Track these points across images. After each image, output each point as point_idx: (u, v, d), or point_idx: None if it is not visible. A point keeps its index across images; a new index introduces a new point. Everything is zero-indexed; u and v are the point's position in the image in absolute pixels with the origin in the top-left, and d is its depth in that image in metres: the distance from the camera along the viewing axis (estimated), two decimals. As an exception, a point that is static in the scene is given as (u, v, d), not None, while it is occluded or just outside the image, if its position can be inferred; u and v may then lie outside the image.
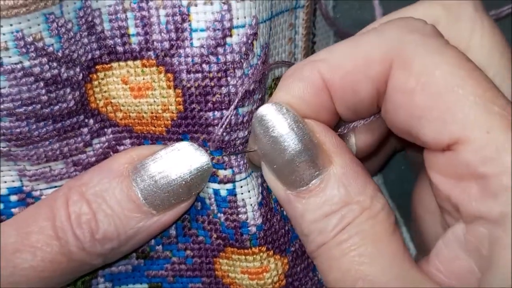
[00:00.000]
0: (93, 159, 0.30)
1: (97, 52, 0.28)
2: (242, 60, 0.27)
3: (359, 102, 0.26)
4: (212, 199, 0.30)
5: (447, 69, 0.24)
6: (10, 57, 0.26)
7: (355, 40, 0.26)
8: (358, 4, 0.38)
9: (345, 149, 0.27)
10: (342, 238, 0.26)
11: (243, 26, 0.27)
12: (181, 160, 0.28)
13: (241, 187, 0.30)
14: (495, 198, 0.23)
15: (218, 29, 0.27)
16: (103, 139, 0.30)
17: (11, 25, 0.25)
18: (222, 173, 0.29)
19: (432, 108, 0.24)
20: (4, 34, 0.26)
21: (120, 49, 0.28)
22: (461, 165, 0.24)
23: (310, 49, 0.34)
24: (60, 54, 0.27)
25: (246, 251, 0.30)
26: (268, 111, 0.26)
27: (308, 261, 0.33)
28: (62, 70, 0.27)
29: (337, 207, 0.26)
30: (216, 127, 0.28)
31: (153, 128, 0.29)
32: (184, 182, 0.28)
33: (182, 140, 0.29)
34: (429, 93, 0.24)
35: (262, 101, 0.30)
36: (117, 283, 0.33)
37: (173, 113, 0.29)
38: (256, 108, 0.28)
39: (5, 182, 0.30)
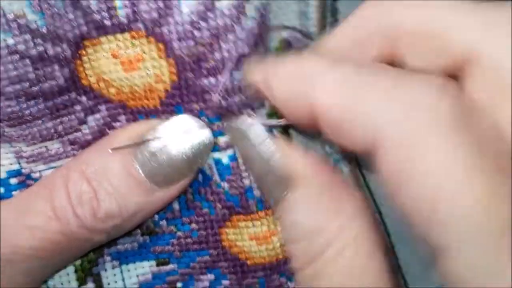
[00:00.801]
0: (90, 137, 0.29)
1: (84, 28, 0.27)
2: (234, 24, 0.26)
3: None
4: (214, 169, 0.29)
5: None
6: None
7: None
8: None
9: (315, 171, 0.25)
10: (308, 273, 0.24)
11: None
12: (181, 134, 0.27)
13: None
14: None
15: None
16: (97, 116, 0.29)
17: None
18: (222, 139, 0.28)
19: None
20: None
21: (107, 23, 0.27)
22: None
23: (330, 6, 0.32)
24: (44, 30, 0.26)
25: (253, 215, 0.30)
26: (240, 125, 0.26)
27: None
28: (48, 46, 0.26)
29: (301, 237, 0.24)
30: (212, 94, 0.27)
31: (147, 102, 0.28)
32: (185, 157, 0.27)
33: (176, 112, 0.28)
34: None
35: None
36: (124, 261, 0.32)
37: (166, 83, 0.27)
38: None
39: (3, 165, 0.29)
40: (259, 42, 0.27)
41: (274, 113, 0.29)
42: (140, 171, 0.27)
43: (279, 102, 0.25)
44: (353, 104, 0.22)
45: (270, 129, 0.29)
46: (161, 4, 0.26)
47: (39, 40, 0.26)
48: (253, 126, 0.27)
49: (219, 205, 0.30)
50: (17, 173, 0.29)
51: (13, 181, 0.30)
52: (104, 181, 0.27)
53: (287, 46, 0.30)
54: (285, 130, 0.29)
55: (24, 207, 0.27)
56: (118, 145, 0.28)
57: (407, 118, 0.20)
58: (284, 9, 0.30)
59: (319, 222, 0.24)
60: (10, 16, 0.25)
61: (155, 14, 0.26)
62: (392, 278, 0.24)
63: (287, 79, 0.24)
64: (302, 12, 0.30)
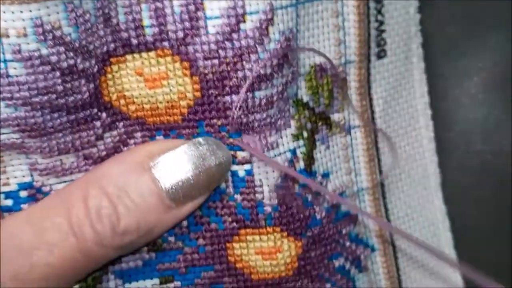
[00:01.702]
0: (104, 153, 0.29)
1: (112, 45, 0.28)
2: (256, 45, 0.27)
3: None
4: (229, 181, 0.30)
5: None
6: (28, 43, 0.25)
7: None
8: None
9: None
10: None
11: (257, 12, 0.27)
12: (203, 155, 0.28)
13: (259, 167, 0.29)
14: None
15: (232, 16, 0.27)
16: (114, 133, 0.29)
17: (30, 11, 0.25)
18: (240, 154, 0.29)
19: None
20: (23, 20, 0.25)
21: (134, 41, 0.28)
22: None
23: (376, 37, 0.33)
24: (77, 44, 0.26)
25: (261, 230, 0.30)
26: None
27: (326, 248, 0.32)
28: (78, 60, 0.27)
29: None
30: (234, 110, 0.28)
31: (168, 118, 0.29)
32: (205, 176, 0.28)
33: (197, 127, 0.29)
34: None
35: (290, 86, 0.30)
36: (127, 279, 0.31)
37: (190, 100, 0.28)
38: (281, 92, 0.28)
39: (15, 177, 0.29)
40: (284, 64, 0.29)
41: (300, 134, 0.31)
42: (162, 189, 0.27)
43: None
44: None
45: (293, 151, 0.30)
46: (188, 25, 0.27)
47: (70, 54, 0.26)
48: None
49: (229, 219, 0.30)
50: (28, 186, 0.29)
51: (23, 194, 0.29)
52: (124, 196, 0.27)
53: (320, 71, 0.31)
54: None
55: (41, 222, 0.26)
56: (137, 160, 0.28)
57: None
58: (319, 36, 0.31)
59: None
60: (47, 27, 0.25)
61: (181, 34, 0.27)
62: None
63: None
64: (341, 40, 0.31)
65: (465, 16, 0.34)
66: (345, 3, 0.31)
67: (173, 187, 0.28)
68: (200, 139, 0.28)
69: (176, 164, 0.28)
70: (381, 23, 0.33)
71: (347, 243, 0.33)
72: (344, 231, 0.33)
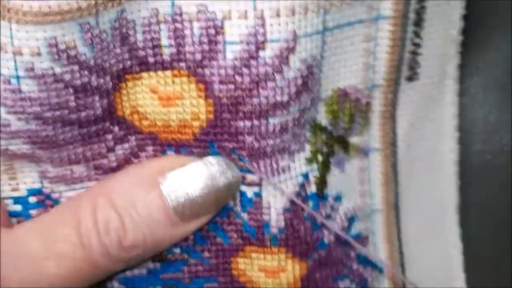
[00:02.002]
0: (115, 164, 0.29)
1: (128, 62, 0.27)
2: (275, 73, 0.27)
3: None
4: (237, 200, 0.29)
5: None
6: (41, 62, 0.25)
7: None
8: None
9: None
10: None
11: (278, 41, 0.26)
12: (213, 174, 0.28)
13: (268, 191, 0.29)
14: None
15: (252, 43, 0.26)
16: (126, 145, 0.29)
17: (45, 31, 0.24)
18: (249, 177, 0.29)
19: None
20: (37, 39, 0.24)
21: (151, 59, 0.27)
22: None
23: (410, 61, 0.31)
24: (92, 63, 0.26)
25: (266, 249, 0.30)
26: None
27: (332, 270, 0.32)
28: (93, 78, 0.26)
29: None
30: (246, 136, 0.28)
31: (180, 136, 0.28)
32: (214, 196, 0.27)
33: (209, 148, 0.28)
34: None
35: (307, 112, 0.29)
36: (131, 286, 0.32)
37: (203, 121, 0.28)
38: (298, 119, 0.28)
39: (25, 183, 0.29)
40: (302, 92, 0.28)
41: (314, 158, 0.30)
42: (170, 205, 0.27)
43: None
44: None
45: (306, 175, 0.29)
46: (206, 47, 0.26)
47: (85, 72, 0.25)
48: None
49: (235, 235, 0.30)
50: (37, 192, 0.29)
51: (32, 199, 0.29)
52: (132, 210, 0.27)
53: (343, 96, 0.30)
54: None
55: (50, 232, 0.27)
56: (147, 175, 0.28)
57: None
58: (346, 61, 0.29)
59: None
60: (62, 47, 0.25)
61: (199, 56, 0.26)
62: None
63: None
64: (370, 65, 0.30)
65: (465, 16, 0.33)
66: (379, 28, 0.29)
67: (181, 204, 0.27)
68: (211, 158, 0.28)
69: (185, 181, 0.27)
70: (418, 45, 0.31)
71: (355, 266, 0.33)
72: (352, 254, 0.33)
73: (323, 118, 0.31)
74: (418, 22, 0.30)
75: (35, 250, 0.26)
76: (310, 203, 0.30)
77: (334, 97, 0.30)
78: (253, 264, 0.31)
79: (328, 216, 0.31)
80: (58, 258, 0.26)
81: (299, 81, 0.27)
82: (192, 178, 0.27)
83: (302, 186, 0.30)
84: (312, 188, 0.30)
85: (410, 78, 0.32)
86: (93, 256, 0.27)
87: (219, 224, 0.30)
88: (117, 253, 0.27)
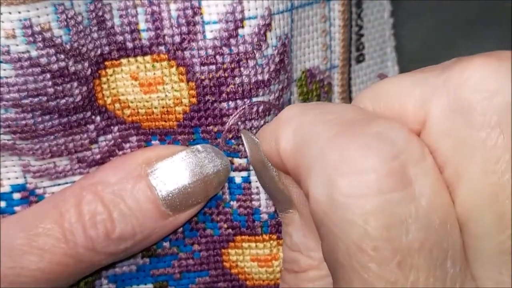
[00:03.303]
0: (98, 156, 0.28)
1: (107, 48, 0.26)
2: (255, 51, 0.26)
3: None
4: (225, 188, 0.28)
5: None
6: (17, 45, 0.24)
7: None
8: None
9: (304, 203, 0.25)
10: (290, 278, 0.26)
11: (255, 17, 0.26)
12: (201, 162, 0.27)
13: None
14: None
15: (230, 21, 0.25)
16: (109, 136, 0.28)
17: (19, 12, 0.23)
18: (237, 161, 0.28)
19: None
20: (12, 21, 0.23)
21: (129, 44, 0.26)
22: None
23: (356, 42, 0.32)
24: (68, 46, 0.25)
25: (257, 237, 0.29)
26: (248, 142, 0.26)
27: None
28: (70, 63, 0.25)
29: (289, 248, 0.25)
30: (231, 117, 0.27)
31: (163, 123, 0.27)
32: (204, 185, 0.27)
33: (193, 133, 0.27)
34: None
35: (286, 92, 0.28)
36: (121, 284, 0.30)
37: (186, 106, 0.27)
38: (278, 99, 0.27)
39: (9, 179, 0.28)
40: (280, 70, 0.27)
41: None
42: (159, 196, 0.26)
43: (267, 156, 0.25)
44: (298, 151, 0.22)
45: None
46: (184, 29, 0.26)
47: (61, 56, 0.25)
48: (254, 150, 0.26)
49: (224, 225, 0.29)
50: (21, 188, 0.28)
51: (16, 196, 0.28)
52: (120, 202, 0.26)
53: (310, 77, 0.30)
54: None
55: (33, 227, 0.26)
56: (134, 166, 0.27)
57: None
58: (309, 41, 0.30)
59: (305, 245, 0.25)
60: (37, 29, 0.24)
61: (178, 39, 0.26)
62: None
63: (269, 130, 0.25)
64: (327, 45, 0.30)
65: (465, 16, 0.32)
66: (331, 8, 0.30)
67: (170, 195, 0.26)
68: (199, 147, 0.27)
69: (174, 171, 0.26)
70: (361, 27, 0.32)
71: None
72: None
73: (296, 100, 0.30)
74: (358, 3, 0.32)
75: (16, 245, 0.25)
76: None
77: (303, 78, 0.30)
78: (244, 254, 0.30)
79: None
80: (40, 253, 0.25)
81: (277, 59, 0.27)
82: (180, 167, 0.27)
83: None
84: None
85: (358, 60, 0.33)
86: (78, 250, 0.26)
87: (208, 214, 0.29)
88: (105, 246, 0.26)
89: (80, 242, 0.26)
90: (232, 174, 0.28)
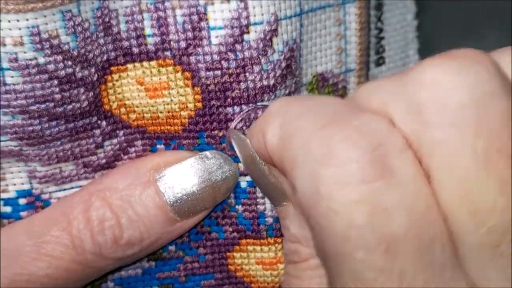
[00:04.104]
0: (104, 160, 0.28)
1: (113, 53, 0.26)
2: (260, 56, 0.26)
3: None
4: (231, 192, 0.28)
5: None
6: (25, 52, 0.24)
7: None
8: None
9: None
10: (288, 271, 0.25)
11: (261, 23, 0.26)
12: (210, 168, 0.27)
13: None
14: None
15: (236, 27, 0.25)
16: (114, 141, 0.28)
17: (27, 20, 0.23)
18: (241, 166, 0.28)
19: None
20: (20, 28, 0.23)
21: (135, 50, 0.26)
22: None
23: (375, 45, 0.32)
24: (75, 53, 0.25)
25: (262, 241, 0.29)
26: (235, 140, 0.26)
27: None
28: (77, 69, 0.25)
29: (288, 239, 0.25)
30: (235, 122, 0.27)
31: (168, 127, 0.27)
32: (211, 191, 0.26)
33: (198, 138, 0.27)
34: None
35: (293, 95, 0.28)
36: (127, 286, 0.30)
37: (191, 110, 0.27)
38: None
39: (15, 184, 0.27)
40: (287, 75, 0.27)
41: None
42: (167, 202, 0.26)
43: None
44: (283, 144, 0.22)
45: None
46: (190, 35, 0.26)
47: (69, 62, 0.25)
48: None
49: (230, 229, 0.29)
50: (27, 194, 0.28)
51: (22, 201, 0.28)
52: (128, 208, 0.26)
53: (321, 80, 0.30)
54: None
55: (41, 234, 0.26)
56: (143, 172, 0.27)
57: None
58: (321, 45, 0.30)
59: (302, 235, 0.24)
60: (44, 36, 0.24)
61: (183, 44, 0.26)
62: None
63: (257, 124, 0.25)
64: (342, 49, 0.30)
65: (465, 16, 0.32)
66: (347, 11, 0.30)
67: (178, 201, 0.26)
68: (207, 153, 0.27)
69: (182, 177, 0.26)
70: (381, 30, 0.32)
71: None
72: None
73: None
74: (378, 6, 0.31)
75: (25, 251, 0.25)
76: None
77: (314, 82, 0.30)
78: (249, 257, 0.30)
79: None
80: (49, 259, 0.25)
81: (283, 64, 0.27)
82: (189, 173, 0.26)
83: None
84: None
85: (378, 63, 0.32)
86: (86, 256, 0.26)
87: (214, 218, 0.29)
88: (113, 251, 0.26)
89: (88, 248, 0.26)
90: (238, 179, 0.28)
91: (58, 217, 0.26)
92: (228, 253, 0.30)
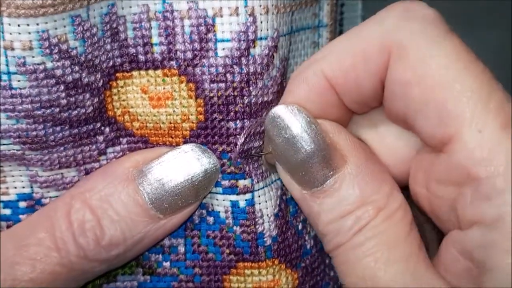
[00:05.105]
0: None
1: (119, 60, 0.26)
2: (263, 71, 0.26)
3: (366, 96, 0.25)
4: (229, 212, 0.27)
5: (444, 61, 0.22)
6: (33, 57, 0.24)
7: (354, 32, 0.25)
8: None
9: (360, 147, 0.25)
10: (357, 241, 0.24)
11: (266, 38, 0.26)
12: (188, 162, 0.26)
13: (259, 196, 0.27)
14: (489, 201, 0.21)
15: (243, 40, 0.25)
16: (117, 148, 0.28)
17: (37, 24, 0.23)
18: (242, 183, 0.27)
19: (428, 102, 0.22)
20: (30, 33, 0.23)
21: (141, 57, 0.26)
22: (455, 168, 0.22)
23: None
24: (82, 58, 0.25)
25: (260, 263, 0.28)
26: (280, 112, 0.25)
27: (317, 279, 0.30)
28: (84, 74, 0.25)
29: (352, 207, 0.24)
30: (238, 137, 0.26)
31: (170, 139, 0.27)
32: (192, 185, 0.26)
33: None
34: (425, 86, 0.22)
35: None
36: None
37: (193, 123, 0.26)
38: None
39: (15, 187, 0.27)
40: (280, 92, 0.27)
41: None
42: (147, 199, 0.26)
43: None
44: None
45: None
46: (197, 46, 0.26)
47: (76, 67, 0.25)
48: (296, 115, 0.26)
49: (227, 251, 0.28)
50: (27, 197, 0.28)
51: (22, 204, 0.28)
52: (108, 208, 0.25)
53: None
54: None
55: (25, 238, 0.25)
56: (121, 170, 0.26)
57: None
58: (302, 42, 0.30)
59: (367, 193, 0.24)
60: (54, 40, 0.24)
61: (190, 55, 0.26)
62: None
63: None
64: (316, 43, 0.30)
65: (465, 16, 0.32)
66: (321, 34, 0.30)
67: (158, 197, 0.26)
68: (185, 146, 0.26)
69: (161, 173, 0.26)
70: None
71: (331, 273, 0.31)
72: (327, 261, 0.31)
73: None
74: (340, 32, 0.32)
75: (8, 256, 0.25)
76: (291, 207, 0.29)
77: None
78: (246, 282, 0.29)
79: (305, 221, 0.30)
80: (31, 262, 0.25)
81: (279, 80, 0.27)
82: (167, 169, 0.26)
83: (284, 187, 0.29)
84: None
85: None
86: (70, 258, 0.25)
87: (211, 238, 0.28)
88: (95, 252, 0.25)
89: (71, 251, 0.25)
90: (236, 198, 0.27)
91: (42, 221, 0.26)
92: (224, 276, 0.29)
